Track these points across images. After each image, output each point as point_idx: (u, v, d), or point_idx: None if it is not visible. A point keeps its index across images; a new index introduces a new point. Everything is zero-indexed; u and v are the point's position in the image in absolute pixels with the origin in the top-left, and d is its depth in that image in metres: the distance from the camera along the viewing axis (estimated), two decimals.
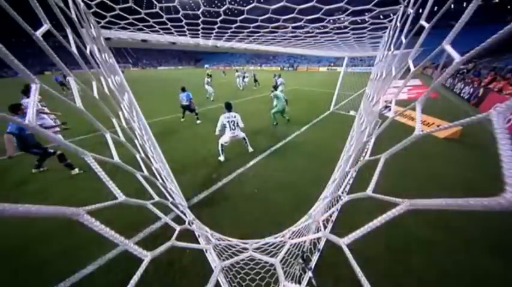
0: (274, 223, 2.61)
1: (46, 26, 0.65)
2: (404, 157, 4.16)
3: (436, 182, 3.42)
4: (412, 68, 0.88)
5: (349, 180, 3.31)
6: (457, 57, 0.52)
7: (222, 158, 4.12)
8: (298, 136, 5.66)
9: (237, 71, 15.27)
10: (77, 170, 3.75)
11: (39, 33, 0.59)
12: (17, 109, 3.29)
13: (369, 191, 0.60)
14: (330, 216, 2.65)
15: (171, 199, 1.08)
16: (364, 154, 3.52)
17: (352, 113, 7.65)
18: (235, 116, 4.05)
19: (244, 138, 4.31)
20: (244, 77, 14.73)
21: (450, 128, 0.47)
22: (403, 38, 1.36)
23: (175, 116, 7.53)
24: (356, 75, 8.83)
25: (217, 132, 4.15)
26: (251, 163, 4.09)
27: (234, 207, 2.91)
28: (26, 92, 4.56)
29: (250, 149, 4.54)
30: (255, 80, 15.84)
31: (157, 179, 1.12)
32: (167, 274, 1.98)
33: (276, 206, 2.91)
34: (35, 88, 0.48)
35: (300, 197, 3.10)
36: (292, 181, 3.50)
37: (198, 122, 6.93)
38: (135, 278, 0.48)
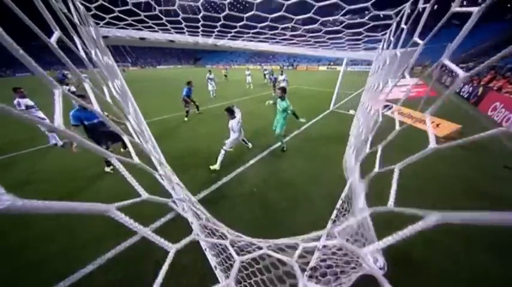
0: (274, 221, 2.62)
1: (57, 33, 0.66)
2: (403, 155, 4.16)
3: (436, 182, 3.42)
4: (408, 79, 0.90)
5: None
6: (461, 73, 0.50)
7: (218, 167, 3.76)
8: (297, 135, 5.65)
9: (248, 69, 15.62)
10: (109, 169, 3.75)
11: (53, 40, 0.60)
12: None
13: (390, 205, 0.57)
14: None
15: (188, 197, 1.09)
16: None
17: (351, 112, 7.63)
18: (241, 117, 3.75)
19: (243, 139, 4.29)
20: (265, 75, 17.31)
21: (472, 140, 0.45)
22: (398, 51, 1.36)
23: (175, 115, 7.52)
24: (356, 74, 8.80)
25: (231, 142, 3.75)
26: (250, 162, 4.09)
27: (233, 206, 2.91)
28: (16, 90, 4.48)
29: (250, 145, 4.60)
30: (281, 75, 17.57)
31: (171, 179, 1.13)
32: (167, 273, 1.97)
33: (275, 205, 2.91)
34: (58, 94, 0.50)
35: (299, 196, 3.10)
36: (291, 180, 3.50)
37: (185, 119, 7.06)
38: (164, 268, 0.53)
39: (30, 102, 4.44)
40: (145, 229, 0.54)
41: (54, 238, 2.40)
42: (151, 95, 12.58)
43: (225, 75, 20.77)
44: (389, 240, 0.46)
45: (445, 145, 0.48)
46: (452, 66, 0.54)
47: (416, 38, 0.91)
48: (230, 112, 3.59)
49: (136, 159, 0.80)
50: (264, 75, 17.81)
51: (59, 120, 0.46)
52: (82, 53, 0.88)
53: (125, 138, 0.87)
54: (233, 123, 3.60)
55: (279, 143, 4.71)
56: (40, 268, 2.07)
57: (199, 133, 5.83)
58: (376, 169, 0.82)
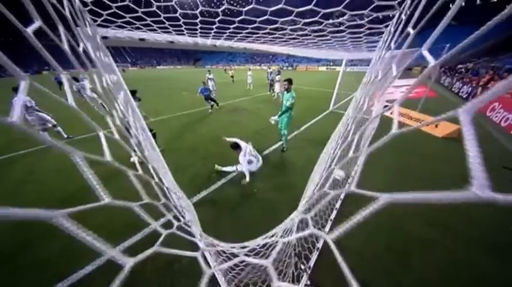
0: (274, 222, 2.60)
1: (37, 23, 0.62)
2: (403, 157, 4.17)
3: (435, 182, 3.43)
4: (394, 72, 0.92)
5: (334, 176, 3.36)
6: (432, 61, 0.56)
7: (221, 170, 3.62)
8: (297, 136, 5.65)
9: (249, 69, 15.13)
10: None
11: (30, 30, 0.57)
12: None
13: (353, 187, 0.60)
14: (329, 216, 2.65)
15: (163, 200, 1.03)
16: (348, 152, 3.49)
17: None
18: (246, 146, 3.38)
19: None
20: (269, 74, 17.01)
21: (421, 126, 0.47)
22: (392, 44, 1.36)
23: (174, 116, 7.54)
24: (355, 74, 8.82)
25: (247, 178, 3.17)
26: None
27: (233, 207, 2.91)
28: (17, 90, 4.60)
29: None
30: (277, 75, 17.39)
31: (153, 179, 1.09)
32: (166, 274, 1.97)
33: (275, 206, 2.91)
34: (23, 86, 0.46)
35: (299, 197, 3.09)
36: (291, 181, 3.50)
37: (210, 111, 7.93)
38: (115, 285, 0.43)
39: (33, 101, 4.65)
40: (102, 242, 0.43)
41: (54, 238, 2.38)
42: (150, 95, 12.54)
43: (232, 77, 18.73)
44: (354, 222, 0.46)
45: (404, 130, 0.50)
46: (427, 55, 0.59)
47: (409, 29, 0.92)
48: (234, 147, 3.34)
49: (108, 156, 0.72)
50: (249, 76, 15.66)
51: (15, 115, 0.40)
52: (66, 47, 0.84)
53: (101, 133, 0.78)
54: (241, 159, 3.23)
55: (279, 144, 4.70)
56: (39, 268, 2.07)
57: (199, 133, 5.82)
58: (350, 154, 0.83)
